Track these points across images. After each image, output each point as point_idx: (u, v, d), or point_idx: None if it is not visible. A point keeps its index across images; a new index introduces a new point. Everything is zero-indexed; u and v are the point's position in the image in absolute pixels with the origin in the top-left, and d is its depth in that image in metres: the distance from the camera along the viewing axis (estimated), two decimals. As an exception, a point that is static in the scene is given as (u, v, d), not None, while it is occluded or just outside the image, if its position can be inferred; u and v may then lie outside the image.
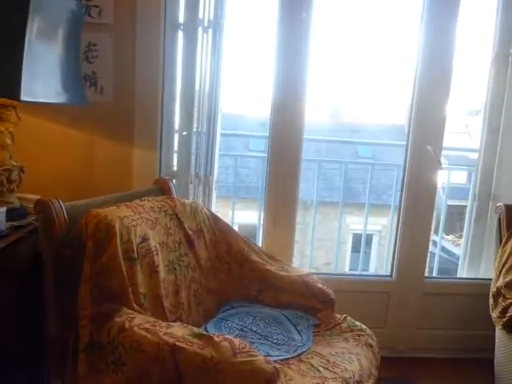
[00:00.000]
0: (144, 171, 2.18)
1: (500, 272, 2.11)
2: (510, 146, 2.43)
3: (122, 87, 2.14)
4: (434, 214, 2.59)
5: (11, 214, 1.63)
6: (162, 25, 2.15)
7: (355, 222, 8.08)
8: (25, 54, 1.44)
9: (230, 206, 3.40)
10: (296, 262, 2.51)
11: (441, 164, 2.34)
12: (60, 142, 2.12)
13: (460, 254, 2.82)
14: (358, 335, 1.74)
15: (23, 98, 1.43)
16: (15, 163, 1.70)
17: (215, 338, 1.33)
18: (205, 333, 1.40)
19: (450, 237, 7.82)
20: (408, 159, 2.40)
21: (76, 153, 2.15)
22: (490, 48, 2.46)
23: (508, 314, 1.96)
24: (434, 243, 3.71)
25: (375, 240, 9.08)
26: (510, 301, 1.98)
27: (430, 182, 2.37)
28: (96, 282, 1.47)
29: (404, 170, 2.44)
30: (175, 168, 2.34)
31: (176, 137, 2.32)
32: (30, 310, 1.72)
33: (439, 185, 2.53)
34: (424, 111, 2.35)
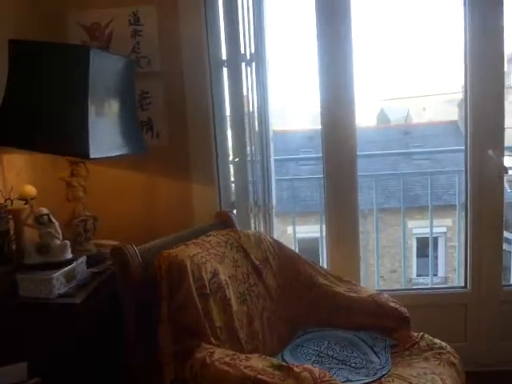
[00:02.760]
0: (204, 205, 2.25)
1: None
2: None
3: (175, 128, 2.24)
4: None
5: (90, 261, 1.74)
6: (207, 64, 2.24)
7: (417, 226, 7.82)
8: (89, 114, 1.55)
9: (286, 221, 3.41)
10: (361, 273, 2.47)
11: (506, 169, 2.23)
12: (122, 187, 2.25)
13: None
14: (439, 353, 1.69)
15: (92, 155, 1.55)
16: (89, 213, 1.82)
17: (295, 369, 1.35)
18: (284, 364, 1.42)
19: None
20: (469, 165, 2.32)
21: (138, 195, 2.27)
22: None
23: None
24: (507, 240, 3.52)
25: (441, 242, 8.74)
26: None
27: (495, 186, 2.27)
28: (174, 321, 1.54)
29: (466, 176, 2.36)
30: (233, 197, 2.40)
31: (231, 167, 2.39)
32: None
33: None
34: (480, 110, 2.26)
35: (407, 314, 1.83)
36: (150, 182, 2.26)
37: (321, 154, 2.38)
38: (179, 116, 2.23)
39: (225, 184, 2.36)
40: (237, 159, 2.34)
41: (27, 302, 1.51)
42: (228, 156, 2.39)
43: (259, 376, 1.34)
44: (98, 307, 1.64)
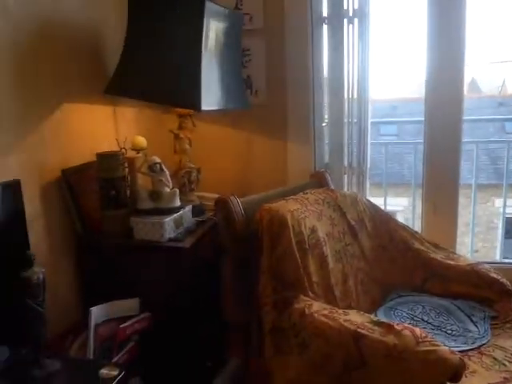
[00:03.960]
0: (299, 165, 2.27)
1: None
2: None
3: (274, 87, 2.25)
4: None
5: (193, 211, 1.83)
6: (309, 21, 2.20)
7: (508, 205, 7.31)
8: (202, 69, 1.60)
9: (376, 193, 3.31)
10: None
11: None
12: (223, 143, 2.32)
13: None
14: (544, 328, 1.61)
15: (203, 108, 1.60)
16: (193, 165, 1.91)
17: (396, 327, 1.36)
18: (384, 320, 1.43)
19: None
20: None
21: (237, 152, 2.33)
22: None
23: None
24: None
25: (531, 223, 8.14)
26: None
27: None
28: (274, 272, 1.59)
29: None
30: (327, 160, 2.39)
31: (326, 129, 2.37)
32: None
33: None
34: None
35: (509, 286, 1.76)
36: (247, 140, 2.31)
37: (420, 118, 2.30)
38: (278, 74, 2.23)
39: (319, 145, 2.35)
40: (332, 120, 2.32)
41: (141, 244, 1.63)
42: (323, 117, 2.37)
43: (359, 330, 1.36)
44: (202, 253, 1.74)
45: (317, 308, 1.50)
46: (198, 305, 1.75)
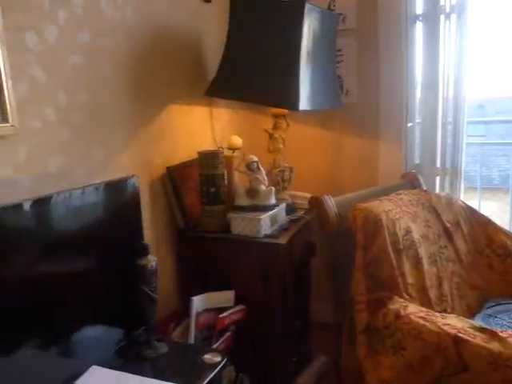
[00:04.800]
0: (390, 165, 2.24)
1: None
2: None
3: (365, 87, 2.24)
4: None
5: (286, 209, 1.87)
6: (404, 19, 2.17)
7: None
8: (300, 69, 1.64)
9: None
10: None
11: None
12: (312, 142, 2.35)
13: None
14: None
15: (301, 108, 1.64)
16: (286, 164, 1.95)
17: (500, 334, 1.31)
18: (486, 327, 1.38)
19: None
20: None
21: (326, 151, 2.35)
22: None
23: None
24: None
25: None
26: None
27: None
28: (368, 271, 1.59)
29: None
30: (417, 160, 2.34)
31: (417, 129, 2.32)
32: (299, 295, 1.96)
33: None
34: None
35: None
36: (337, 139, 2.32)
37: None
38: (370, 74, 2.22)
39: (410, 145, 2.31)
40: (425, 120, 2.26)
41: (237, 239, 1.70)
42: (415, 116, 2.32)
43: (460, 334, 1.33)
44: (295, 251, 1.78)
45: (413, 310, 1.48)
46: (288, 301, 1.79)
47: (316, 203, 1.70)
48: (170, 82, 1.82)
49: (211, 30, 2.07)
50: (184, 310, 1.69)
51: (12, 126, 1.20)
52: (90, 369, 1.24)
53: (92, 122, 1.47)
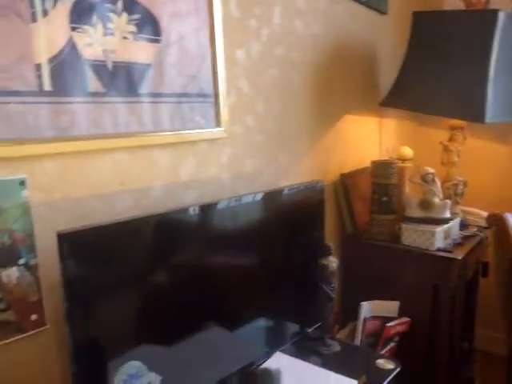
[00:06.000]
0: None
1: None
2: None
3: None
4: None
5: (459, 225, 1.81)
6: None
7: None
8: (488, 82, 1.58)
9: None
10: None
11: None
12: (483, 157, 2.22)
13: None
14: None
15: (487, 120, 1.58)
16: (460, 178, 1.89)
17: None
18: None
19: None
20: None
21: (499, 167, 2.20)
22: None
23: None
24: None
25: None
26: None
27: None
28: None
29: None
30: None
31: None
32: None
33: None
34: None
35: None
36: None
37: None
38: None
39: None
40: None
41: (408, 249, 1.69)
42: None
43: None
44: (469, 269, 1.71)
45: None
46: (456, 321, 1.72)
47: (496, 220, 1.62)
48: (345, 93, 1.89)
49: (385, 41, 2.10)
50: (345, 313, 1.73)
51: (223, 130, 1.37)
52: (276, 354, 1.36)
53: (281, 129, 1.60)
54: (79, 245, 0.88)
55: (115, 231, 0.95)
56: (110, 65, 1.11)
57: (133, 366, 0.85)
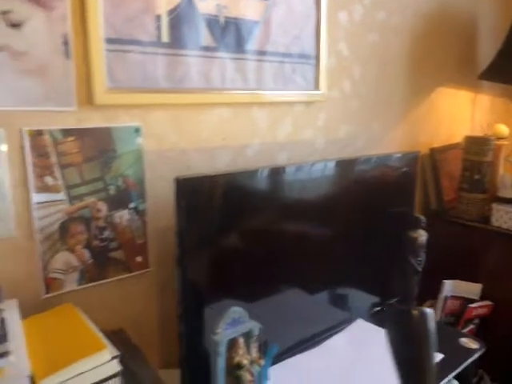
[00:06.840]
0: None
1: None
2: None
3: None
4: None
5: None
6: None
7: None
8: None
9: None
10: None
11: None
12: None
13: None
14: None
15: None
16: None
17: None
18: None
19: None
20: None
21: None
22: None
23: None
24: None
25: None
26: None
27: None
28: None
29: None
30: None
31: None
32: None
33: None
34: None
35: None
36: None
37: None
38: None
39: None
40: None
41: (497, 231, 1.62)
42: None
43: None
44: None
45: None
46: None
47: None
48: (441, 64, 1.80)
49: (488, 10, 1.96)
50: (423, 290, 1.70)
51: (321, 93, 1.35)
52: (357, 320, 1.37)
53: (376, 97, 1.56)
54: (195, 192, 0.91)
55: (228, 182, 0.97)
56: (221, 20, 1.12)
57: (236, 311, 0.88)
